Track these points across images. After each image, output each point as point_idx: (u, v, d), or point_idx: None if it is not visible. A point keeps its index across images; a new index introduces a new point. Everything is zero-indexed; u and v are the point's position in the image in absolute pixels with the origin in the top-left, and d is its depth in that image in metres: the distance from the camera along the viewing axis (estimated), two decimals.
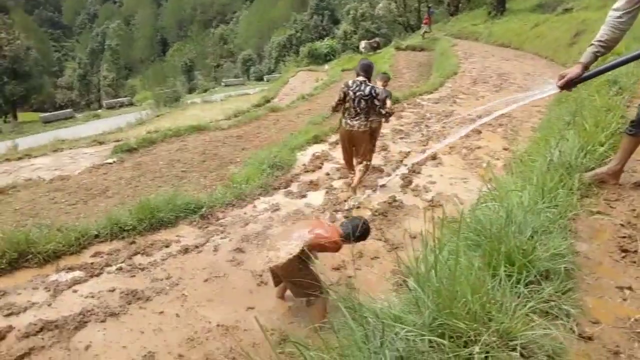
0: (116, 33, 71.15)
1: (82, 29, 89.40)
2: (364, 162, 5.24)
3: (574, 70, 2.35)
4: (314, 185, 5.57)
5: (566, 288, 1.72)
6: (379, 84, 5.69)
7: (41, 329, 2.94)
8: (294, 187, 5.57)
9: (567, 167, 2.82)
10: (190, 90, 40.63)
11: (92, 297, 3.34)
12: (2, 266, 3.61)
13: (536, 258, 1.76)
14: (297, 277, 2.81)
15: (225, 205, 5.00)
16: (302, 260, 2.79)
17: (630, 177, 2.82)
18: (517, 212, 2.05)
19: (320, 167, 6.28)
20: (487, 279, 1.55)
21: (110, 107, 31.82)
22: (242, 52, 55.63)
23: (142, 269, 3.73)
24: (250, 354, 1.58)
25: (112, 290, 3.41)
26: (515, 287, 1.60)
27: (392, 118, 6.48)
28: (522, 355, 1.29)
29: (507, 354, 1.27)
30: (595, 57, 2.35)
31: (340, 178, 5.78)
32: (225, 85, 38.79)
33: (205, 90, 37.54)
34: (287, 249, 2.79)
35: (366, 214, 4.66)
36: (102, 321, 3.08)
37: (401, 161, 6.33)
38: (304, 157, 6.76)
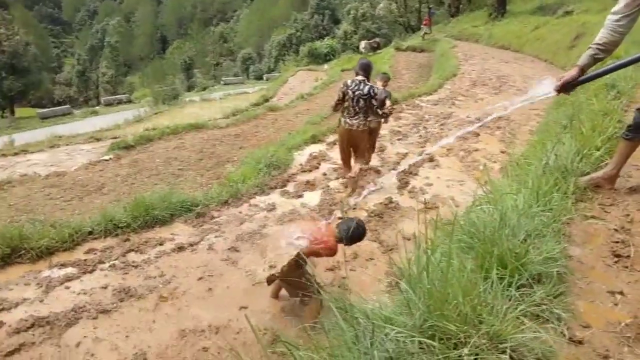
0: (116, 30, 71.16)
1: (81, 25, 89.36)
2: (363, 162, 5.27)
3: (570, 73, 2.35)
4: (310, 185, 5.56)
5: (558, 292, 1.71)
6: (378, 84, 5.70)
7: (32, 325, 2.92)
8: (290, 187, 5.55)
9: (562, 171, 2.82)
10: (189, 89, 40.64)
11: (85, 293, 3.32)
12: None
13: (529, 261, 1.76)
14: (292, 277, 2.81)
15: (220, 204, 4.98)
16: (297, 261, 2.79)
17: (626, 182, 2.81)
18: (511, 215, 2.04)
19: (317, 167, 6.26)
20: (479, 282, 1.54)
21: (109, 104, 31.79)
22: (242, 51, 55.66)
23: (136, 267, 3.71)
24: (240, 354, 1.56)
25: (105, 287, 3.40)
26: (507, 290, 1.60)
27: (390, 119, 6.48)
28: (511, 358, 1.29)
29: (497, 357, 1.27)
30: (593, 60, 2.35)
31: (337, 178, 5.76)
32: (225, 84, 38.85)
33: (204, 89, 37.56)
34: (281, 259, 2.80)
35: (362, 214, 4.64)
36: (94, 318, 3.06)
37: (398, 163, 6.33)
38: (301, 157, 6.75)
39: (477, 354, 1.27)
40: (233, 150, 8.31)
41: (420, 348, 1.33)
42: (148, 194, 4.80)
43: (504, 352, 1.29)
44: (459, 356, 1.26)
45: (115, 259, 3.79)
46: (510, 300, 1.54)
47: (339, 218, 4.42)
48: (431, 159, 6.28)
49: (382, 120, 5.80)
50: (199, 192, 5.32)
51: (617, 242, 2.14)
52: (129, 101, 32.93)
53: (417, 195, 5.19)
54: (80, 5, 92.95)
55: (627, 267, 1.95)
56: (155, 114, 17.86)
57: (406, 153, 6.75)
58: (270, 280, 3.05)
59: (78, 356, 2.74)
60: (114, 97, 35.43)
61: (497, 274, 1.63)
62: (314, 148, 7.17)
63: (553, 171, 2.79)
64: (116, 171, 7.12)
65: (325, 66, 26.28)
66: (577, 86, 2.45)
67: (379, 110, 5.16)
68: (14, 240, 3.72)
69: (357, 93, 4.87)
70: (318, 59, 32.19)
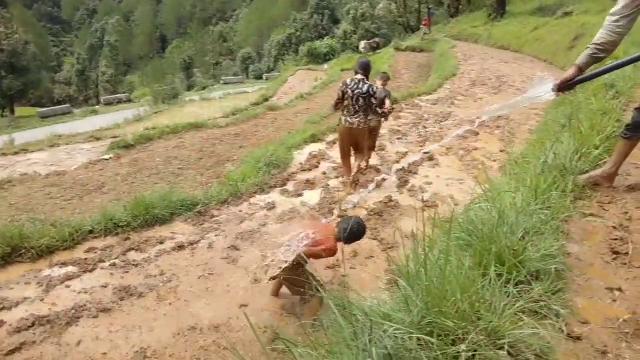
0: (115, 29, 71.06)
1: (81, 24, 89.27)
2: (363, 160, 5.31)
3: (568, 72, 2.36)
4: (310, 184, 5.57)
5: (556, 288, 1.72)
6: (378, 83, 5.72)
7: (33, 324, 2.93)
8: (290, 186, 5.56)
9: (561, 170, 2.83)
10: (189, 88, 40.61)
11: (85, 292, 3.33)
12: None
13: (527, 258, 1.77)
14: (292, 274, 2.83)
15: (220, 203, 4.99)
16: (297, 262, 2.80)
17: (624, 180, 2.83)
18: (510, 213, 2.05)
19: (316, 166, 6.27)
20: (476, 279, 1.55)
21: (108, 103, 31.76)
22: (242, 50, 55.62)
23: (136, 265, 3.71)
24: (239, 352, 1.57)
25: (105, 286, 3.41)
26: (505, 286, 1.61)
27: (390, 117, 6.50)
28: (509, 353, 1.30)
29: (495, 353, 1.28)
30: (591, 59, 2.36)
31: (336, 177, 5.77)
32: (224, 83, 38.85)
33: (204, 88, 37.53)
34: (280, 263, 2.82)
35: (362, 213, 4.66)
36: (94, 317, 3.07)
37: (397, 161, 6.34)
38: (301, 155, 6.75)
39: (475, 350, 1.28)
40: (233, 149, 8.32)
41: (419, 344, 1.33)
42: (148, 192, 4.81)
43: (501, 348, 1.30)
44: (457, 352, 1.27)
45: (116, 258, 3.80)
46: (508, 296, 1.55)
47: (339, 216, 4.44)
48: (430, 158, 6.29)
49: (382, 119, 5.82)
50: (198, 191, 5.32)
51: (615, 239, 2.15)
52: (129, 100, 32.91)
53: (416, 193, 5.20)
54: (79, 4, 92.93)
55: (625, 263, 1.96)
56: (155, 113, 17.84)
57: (406, 152, 6.76)
58: (272, 277, 3.06)
59: (78, 355, 2.75)
60: (113, 96, 35.40)
61: (495, 270, 1.64)
62: (314, 147, 7.18)
63: (552, 169, 2.80)
64: (116, 170, 7.13)
65: (325, 66, 26.29)
66: (575, 85, 2.46)
67: (378, 108, 5.19)
68: (14, 239, 3.72)
69: (356, 92, 4.89)
70: (317, 58, 32.19)
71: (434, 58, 19.19)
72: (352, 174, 5.20)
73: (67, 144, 9.20)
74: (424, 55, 21.49)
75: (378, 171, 5.94)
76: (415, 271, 1.54)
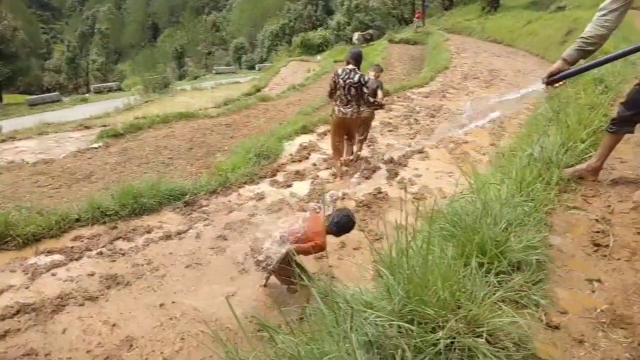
0: (106, 17, 70.04)
1: (72, 11, 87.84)
2: (354, 149, 5.34)
3: (554, 65, 2.38)
4: (300, 175, 5.57)
5: (537, 279, 1.75)
6: (371, 75, 5.74)
7: (18, 312, 2.92)
8: (279, 177, 5.56)
9: (547, 163, 2.85)
10: (181, 77, 40.11)
11: (71, 281, 3.32)
12: None
13: (509, 249, 1.79)
14: (282, 264, 2.84)
15: (209, 193, 4.98)
16: (286, 254, 2.83)
17: (609, 175, 2.86)
18: (494, 205, 2.07)
19: (307, 158, 6.27)
20: (458, 268, 1.56)
21: (98, 92, 31.33)
22: (234, 40, 55.04)
23: (123, 254, 3.71)
24: (223, 340, 1.58)
25: (92, 275, 3.40)
26: (486, 276, 1.62)
27: (381, 110, 6.51)
28: (488, 341, 1.31)
29: (473, 340, 1.29)
30: (579, 53, 2.38)
31: (326, 169, 5.78)
32: (216, 73, 38.43)
33: (196, 78, 37.09)
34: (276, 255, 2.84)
35: (351, 205, 4.67)
36: (81, 305, 3.06)
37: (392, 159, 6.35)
38: (292, 147, 6.74)
39: (454, 338, 1.30)
40: (224, 140, 8.28)
41: (399, 332, 1.35)
42: (137, 182, 4.79)
43: (480, 336, 1.31)
44: (436, 340, 1.29)
45: (103, 247, 3.79)
46: (489, 286, 1.57)
47: (328, 208, 4.44)
48: (420, 151, 6.32)
49: (376, 110, 5.85)
50: (188, 180, 5.30)
51: (597, 232, 2.18)
52: (119, 89, 32.47)
53: (406, 186, 5.22)
54: None
55: (605, 255, 1.99)
56: (146, 102, 17.60)
57: (396, 144, 6.78)
58: (272, 270, 3.09)
59: (64, 343, 2.74)
60: (104, 84, 34.96)
61: (477, 261, 1.65)
62: (305, 138, 7.17)
63: (537, 163, 2.83)
64: (105, 159, 7.06)
65: (318, 57, 26.13)
66: (564, 79, 2.47)
67: (370, 98, 5.21)
68: (0, 226, 3.69)
69: (347, 81, 4.90)
70: (311, 49, 31.96)
71: (427, 51, 19.20)
72: (344, 158, 5.22)
73: (56, 132, 9.07)
74: (417, 48, 21.48)
75: (368, 163, 5.96)
76: (398, 260, 1.55)
